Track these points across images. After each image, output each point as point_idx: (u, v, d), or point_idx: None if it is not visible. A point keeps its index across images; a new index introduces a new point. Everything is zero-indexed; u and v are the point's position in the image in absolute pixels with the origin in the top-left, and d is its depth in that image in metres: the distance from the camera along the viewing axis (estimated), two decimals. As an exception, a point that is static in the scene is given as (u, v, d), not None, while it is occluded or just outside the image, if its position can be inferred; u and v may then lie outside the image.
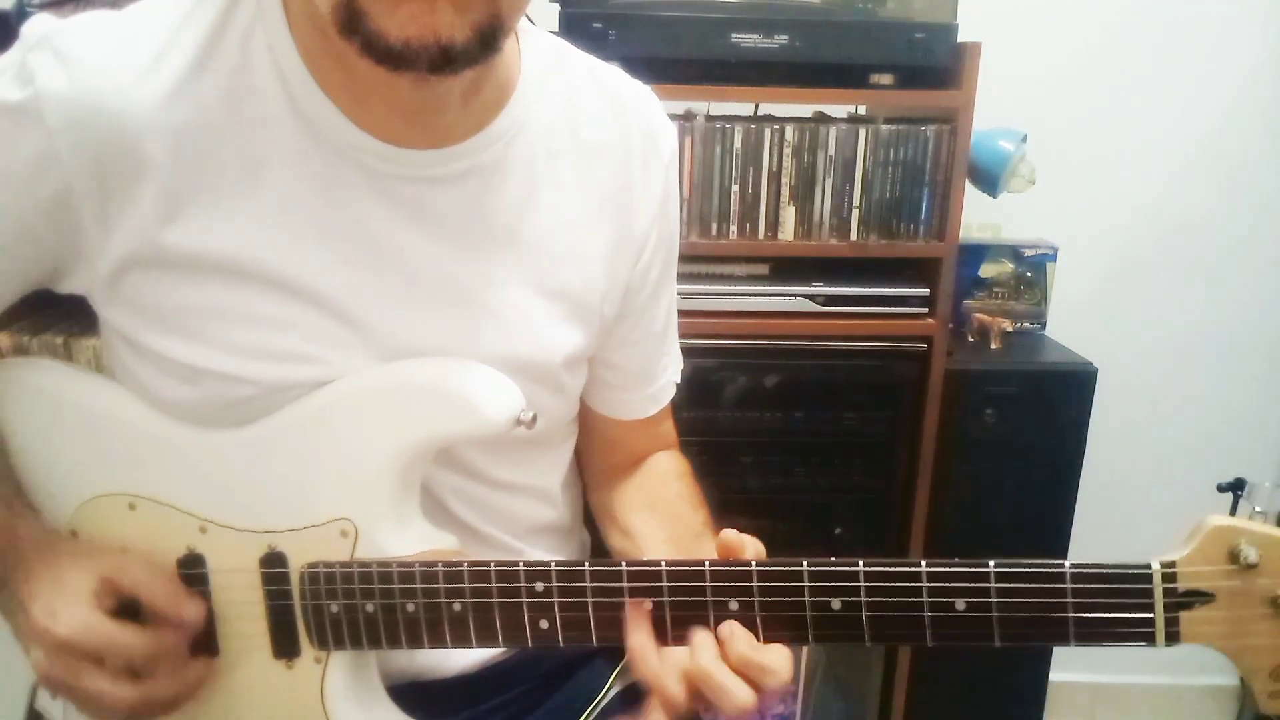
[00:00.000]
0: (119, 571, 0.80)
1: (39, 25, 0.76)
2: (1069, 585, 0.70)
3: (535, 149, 0.87)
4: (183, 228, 0.78)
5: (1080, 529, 1.84)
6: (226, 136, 0.78)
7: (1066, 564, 0.69)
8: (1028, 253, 1.98)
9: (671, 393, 1.06)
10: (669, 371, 1.05)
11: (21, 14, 1.30)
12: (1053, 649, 1.94)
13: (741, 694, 0.72)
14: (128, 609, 0.80)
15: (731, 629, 0.74)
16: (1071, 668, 2.25)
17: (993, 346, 1.88)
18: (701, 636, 0.74)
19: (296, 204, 0.80)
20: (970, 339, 1.91)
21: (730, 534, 0.77)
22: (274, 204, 0.79)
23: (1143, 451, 2.17)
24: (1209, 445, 2.19)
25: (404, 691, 0.88)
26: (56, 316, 1.49)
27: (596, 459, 1.06)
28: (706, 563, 0.74)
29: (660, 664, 0.74)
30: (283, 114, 0.78)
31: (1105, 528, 1.89)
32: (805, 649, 1.83)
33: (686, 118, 1.62)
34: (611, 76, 0.94)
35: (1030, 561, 0.70)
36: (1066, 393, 1.79)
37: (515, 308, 0.87)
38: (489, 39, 0.72)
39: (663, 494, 1.01)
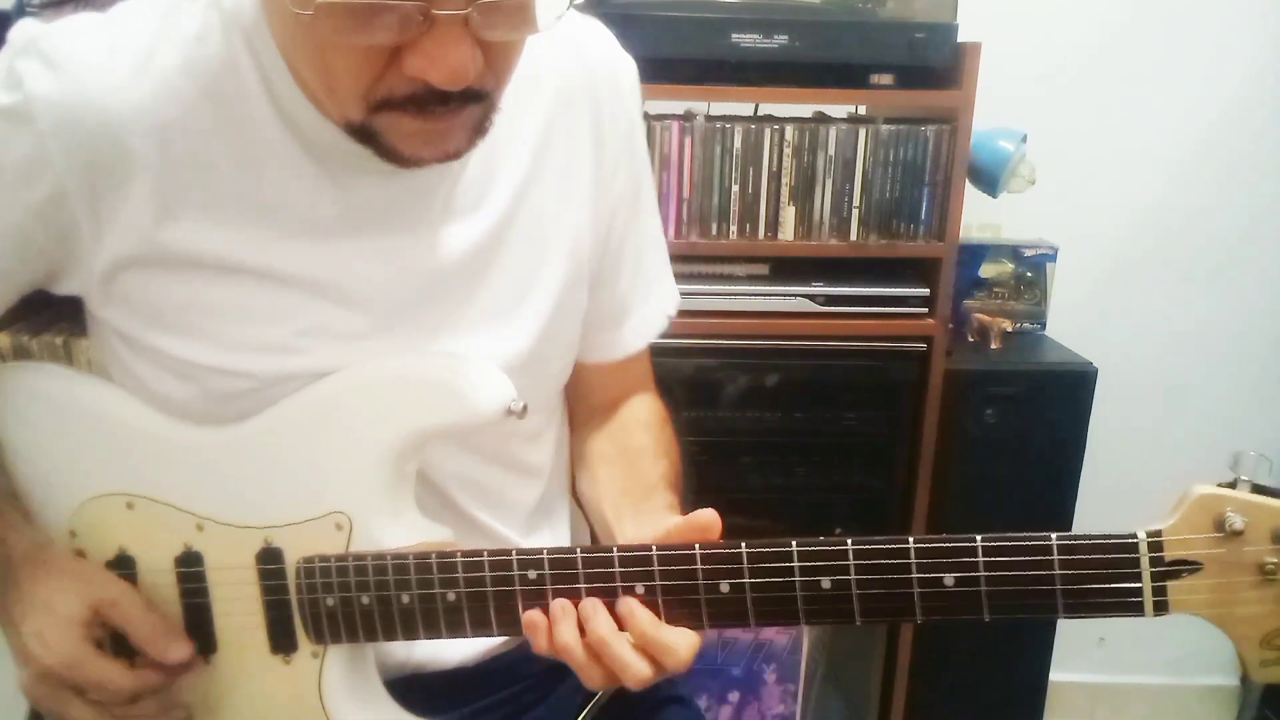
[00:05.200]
0: (111, 606, 0.81)
1: (25, 30, 0.76)
2: (1055, 557, 0.70)
3: (517, 118, 0.86)
4: (175, 225, 0.78)
5: (1080, 529, 1.81)
6: (215, 136, 0.78)
7: (1053, 535, 0.70)
8: (1028, 253, 1.98)
9: (649, 336, 1.02)
10: (642, 310, 1.01)
11: (22, 14, 1.31)
12: (1052, 648, 1.93)
13: (640, 668, 0.73)
14: (120, 639, 0.82)
15: (630, 607, 0.75)
16: (1071, 668, 2.23)
17: (993, 346, 1.88)
18: (589, 604, 0.75)
19: (287, 201, 0.80)
20: (970, 339, 1.91)
21: (705, 514, 0.77)
22: (265, 201, 0.80)
23: (1142, 451, 2.16)
24: (1209, 445, 2.17)
25: (402, 685, 0.88)
26: (55, 317, 1.50)
27: (574, 404, 1.05)
28: (697, 546, 0.75)
29: (550, 641, 0.76)
30: (268, 115, 0.79)
31: (1105, 528, 1.87)
32: (805, 648, 1.82)
33: (686, 118, 1.62)
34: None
35: (1016, 534, 0.71)
36: (1066, 393, 1.78)
37: (515, 283, 0.88)
38: (487, 128, 0.76)
39: (627, 445, 0.99)
